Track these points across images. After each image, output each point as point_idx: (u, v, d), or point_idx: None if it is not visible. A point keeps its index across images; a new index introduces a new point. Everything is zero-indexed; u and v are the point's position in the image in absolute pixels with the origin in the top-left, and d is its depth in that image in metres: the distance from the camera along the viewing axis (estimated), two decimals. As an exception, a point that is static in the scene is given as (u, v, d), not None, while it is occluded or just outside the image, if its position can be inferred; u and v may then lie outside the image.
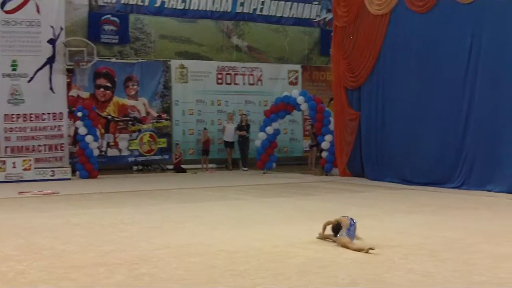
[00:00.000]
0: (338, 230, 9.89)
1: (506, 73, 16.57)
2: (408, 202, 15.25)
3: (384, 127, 19.55)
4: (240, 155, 24.22)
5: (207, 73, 25.12)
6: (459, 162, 17.52)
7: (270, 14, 26.41)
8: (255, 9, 26.09)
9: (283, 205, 14.67)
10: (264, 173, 22.65)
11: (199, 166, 24.16)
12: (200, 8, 25.06)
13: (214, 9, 25.37)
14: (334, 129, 21.10)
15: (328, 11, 26.24)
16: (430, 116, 18.20)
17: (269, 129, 22.84)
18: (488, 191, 16.52)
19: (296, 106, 22.51)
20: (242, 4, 25.81)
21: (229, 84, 25.49)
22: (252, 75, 25.88)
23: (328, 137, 21.44)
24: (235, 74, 25.60)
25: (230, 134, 24.10)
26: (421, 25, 18.47)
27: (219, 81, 25.31)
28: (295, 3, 26.76)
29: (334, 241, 9.91)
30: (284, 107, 22.71)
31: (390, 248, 9.64)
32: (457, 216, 13.09)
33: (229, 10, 25.67)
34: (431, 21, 18.18)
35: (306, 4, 27.00)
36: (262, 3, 26.17)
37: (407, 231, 11.18)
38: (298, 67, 26.87)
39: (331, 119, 21.50)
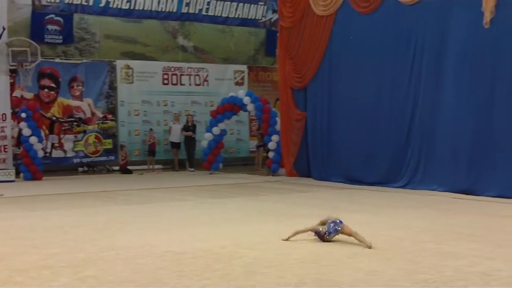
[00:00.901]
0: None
1: (448, 74, 16.78)
2: (354, 201, 15.35)
3: (330, 127, 19.66)
4: (186, 156, 24.13)
5: (153, 73, 24.99)
6: (404, 161, 17.70)
7: (216, 14, 26.38)
8: (200, 10, 26.03)
9: (229, 206, 14.66)
10: (210, 173, 22.60)
11: (145, 167, 24.03)
12: (146, 8, 24.93)
13: (159, 9, 25.25)
14: (281, 130, 21.15)
15: (274, 11, 26.30)
16: (375, 117, 18.36)
17: (216, 130, 22.81)
18: (433, 190, 16.72)
19: (242, 107, 22.51)
20: (187, 5, 25.73)
21: (175, 84, 25.39)
22: (198, 75, 25.82)
23: (275, 138, 21.49)
24: (181, 75, 25.51)
25: (176, 134, 24.01)
26: (365, 25, 18.62)
27: (165, 81, 25.20)
28: (241, 4, 26.77)
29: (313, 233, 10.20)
30: (230, 107, 22.70)
31: (338, 247, 9.68)
32: (403, 215, 13.22)
33: (174, 11, 25.57)
34: (376, 22, 18.35)
35: (252, 5, 27.03)
36: (208, 4, 26.13)
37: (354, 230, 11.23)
38: (244, 67, 26.89)
39: (278, 119, 21.55)
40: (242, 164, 25.44)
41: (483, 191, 15.86)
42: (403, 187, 17.46)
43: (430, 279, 7.85)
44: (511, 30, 15.61)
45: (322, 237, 10.11)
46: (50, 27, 23.57)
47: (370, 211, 13.74)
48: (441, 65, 16.95)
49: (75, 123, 23.63)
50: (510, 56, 15.63)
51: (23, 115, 21.21)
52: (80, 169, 23.84)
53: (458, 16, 16.59)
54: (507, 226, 11.86)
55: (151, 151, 23.94)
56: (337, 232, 10.05)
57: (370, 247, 9.58)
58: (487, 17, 15.90)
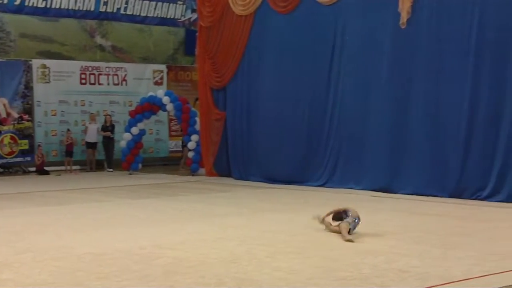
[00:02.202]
0: (341, 218, 10.51)
1: (367, 74, 17.03)
2: (274, 200, 15.43)
3: (249, 126, 19.71)
4: (105, 156, 23.85)
5: (70, 73, 24.60)
6: (323, 160, 17.89)
7: (134, 13, 26.12)
8: (119, 9, 25.74)
9: (149, 206, 14.56)
10: (129, 174, 22.40)
11: (63, 168, 23.65)
12: (62, 7, 24.50)
13: (76, 8, 24.84)
14: (200, 129, 21.10)
15: (193, 11, 26.19)
16: (294, 116, 18.48)
17: (135, 130, 22.60)
18: (351, 188, 16.94)
19: (161, 107, 22.37)
20: (105, 3, 25.40)
21: (93, 84, 25.04)
22: (116, 75, 25.53)
23: (194, 137, 21.42)
24: (99, 74, 25.18)
25: (92, 135, 23.67)
26: (284, 25, 18.73)
27: (83, 81, 24.84)
28: (160, 3, 26.57)
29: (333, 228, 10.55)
30: (149, 107, 22.52)
31: (257, 247, 9.73)
32: (322, 213, 13.31)
33: (92, 9, 25.21)
34: (295, 22, 18.48)
35: (171, 4, 26.86)
36: (126, 3, 25.86)
37: (273, 229, 11.30)
38: (163, 67, 26.71)
39: (197, 119, 21.50)
40: (162, 164, 25.27)
41: (400, 189, 16.16)
42: (322, 185, 17.63)
43: (348, 277, 7.95)
44: (427, 30, 15.95)
45: (340, 218, 10.63)
46: (-37, 25, 23.01)
47: (290, 209, 13.84)
48: (359, 64, 17.19)
49: (-11, 124, 23.14)
50: (425, 55, 15.96)
51: None
52: (-5, 170, 23.37)
53: (375, 16, 16.85)
54: (423, 223, 12.10)
55: (69, 152, 23.57)
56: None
57: (351, 240, 10.05)
58: (404, 17, 16.20)
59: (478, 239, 10.39)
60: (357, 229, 10.54)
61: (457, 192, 15.30)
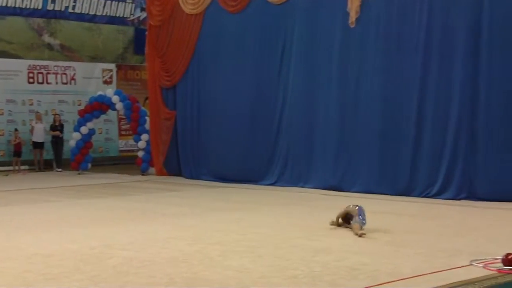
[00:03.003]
0: (350, 219, 10.90)
1: (316, 73, 17.12)
2: (225, 199, 15.42)
3: (200, 125, 19.67)
4: (53, 156, 23.60)
5: (18, 72, 24.27)
6: (274, 159, 17.92)
7: (83, 12, 25.86)
8: (67, 7, 25.46)
9: (99, 206, 14.44)
10: (79, 174, 22.19)
11: (10, 168, 23.33)
12: (9, 5, 24.15)
13: (23, 6, 24.52)
14: (150, 129, 20.99)
15: (142, 9, 26.03)
16: (244, 115, 18.49)
17: (84, 129, 22.40)
18: (302, 187, 17.01)
19: (111, 106, 22.21)
20: (53, 1, 25.11)
21: (41, 83, 24.75)
22: (65, 74, 25.26)
23: (144, 137, 21.31)
24: (48, 73, 24.89)
25: (39, 134, 23.37)
26: (234, 24, 18.73)
27: (31, 80, 24.53)
28: (109, 2, 26.36)
29: (349, 228, 10.85)
30: (98, 106, 22.35)
31: (208, 246, 9.71)
32: (273, 212, 13.38)
33: (39, 7, 24.90)
34: (244, 21, 18.49)
35: (120, 3, 26.66)
36: (74, 1, 25.57)
37: (225, 228, 11.30)
38: (112, 66, 26.51)
39: (147, 118, 21.38)
40: (112, 163, 25.08)
41: (350, 187, 16.27)
42: (273, 184, 17.67)
43: (300, 275, 7.97)
44: (375, 29, 16.12)
45: (349, 219, 11.00)
46: None
47: (241, 208, 13.84)
48: (309, 63, 17.27)
49: None
50: (374, 54, 16.11)
51: None
52: None
53: (324, 15, 16.95)
54: (373, 221, 12.14)
55: (17, 152, 23.25)
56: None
57: (363, 234, 10.45)
58: (352, 16, 16.34)
59: (427, 236, 10.51)
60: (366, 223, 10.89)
61: (407, 190, 15.46)
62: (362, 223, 10.79)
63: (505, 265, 8.16)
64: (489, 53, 14.66)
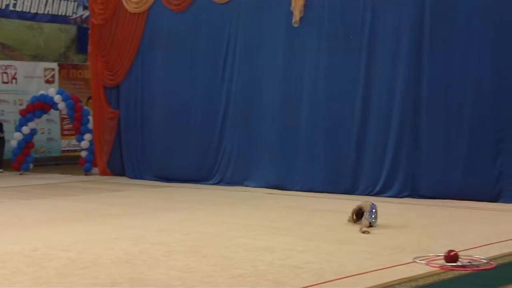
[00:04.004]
0: (362, 215, 11.01)
1: (261, 72, 17.16)
2: (169, 199, 15.36)
3: (144, 125, 19.54)
4: (-6, 156, 23.24)
5: (-43, 71, 23.90)
6: (217, 159, 17.90)
7: (24, 10, 25.52)
8: (7, 5, 25.10)
9: (41, 207, 14.25)
10: (20, 174, 21.87)
11: (-51, 169, 22.93)
12: None
13: (-38, 4, 24.17)
14: (93, 128, 20.78)
15: (85, 8, 25.81)
16: (189, 114, 18.44)
17: (25, 129, 22.09)
18: (246, 186, 17.03)
19: (53, 105, 21.93)
20: (-6, 0, 24.78)
21: (-19, 82, 24.39)
22: (6, 73, 24.88)
23: (88, 136, 21.10)
24: (-13, 72, 24.53)
25: (-24, 134, 23.01)
26: (178, 23, 18.66)
27: (-30, 79, 24.15)
28: (51, 0, 26.08)
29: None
30: (40, 106, 22.05)
31: (152, 246, 9.65)
32: (217, 211, 13.37)
33: (-21, 6, 24.57)
34: (188, 20, 18.43)
35: (62, 1, 26.38)
36: (16, -1, 25.28)
37: (168, 228, 11.25)
38: (54, 65, 26.20)
39: (90, 118, 21.18)
40: (54, 164, 24.78)
41: (294, 186, 16.34)
42: (216, 184, 17.65)
43: (244, 274, 7.97)
44: (319, 28, 16.20)
45: (361, 215, 11.19)
46: None
47: (185, 208, 13.80)
48: (253, 63, 17.30)
49: None
50: (317, 53, 16.21)
51: None
52: None
53: (268, 15, 16.99)
54: (316, 219, 12.25)
55: (-43, 152, 22.86)
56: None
57: (367, 232, 10.63)
58: (296, 16, 16.41)
59: (370, 234, 10.58)
60: (377, 220, 11.08)
61: (351, 188, 15.59)
62: (372, 220, 10.99)
63: (447, 262, 8.27)
64: (431, 52, 14.87)
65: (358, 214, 11.24)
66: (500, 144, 14.24)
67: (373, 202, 11.36)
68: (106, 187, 17.84)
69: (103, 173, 20.50)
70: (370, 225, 10.89)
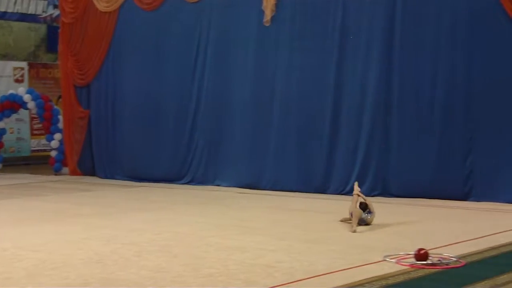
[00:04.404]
0: (365, 207, 11.09)
1: (232, 71, 17.15)
2: (140, 199, 15.31)
3: (114, 125, 19.46)
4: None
5: None
6: (189, 158, 17.87)
7: (-7, 9, 25.34)
8: (-24, 4, 24.92)
9: (11, 207, 14.14)
10: (-11, 174, 21.71)
11: None
12: None
13: None
14: (63, 128, 20.66)
15: (55, 7, 25.64)
16: (160, 114, 18.39)
17: (-6, 129, 21.93)
18: (217, 185, 17.01)
19: (22, 105, 21.76)
20: (-39, -2, 24.54)
21: (-51, 82, 24.14)
22: (-26, 72, 24.70)
23: (58, 136, 20.98)
24: (-44, 71, 24.30)
25: None
26: (150, 23, 18.60)
27: None
28: (20, -2, 25.90)
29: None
30: (10, 105, 21.87)
31: (123, 246, 9.62)
32: (188, 211, 13.35)
33: None
34: (160, 19, 18.38)
35: (32, 0, 26.21)
36: (-16, -2, 25.06)
37: (139, 228, 11.21)
38: (24, 64, 26.00)
39: (60, 117, 21.06)
40: (24, 163, 24.61)
41: (265, 185, 16.37)
42: (188, 183, 17.62)
43: (215, 273, 7.96)
44: (290, 28, 16.24)
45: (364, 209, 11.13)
46: None
47: (156, 208, 13.76)
48: (224, 62, 17.29)
49: None
50: (289, 53, 16.24)
51: None
52: None
53: (240, 14, 17.00)
54: (289, 219, 12.28)
55: None
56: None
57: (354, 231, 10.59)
58: (268, 15, 16.43)
59: (341, 233, 10.63)
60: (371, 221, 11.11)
61: (322, 187, 15.64)
62: (367, 217, 11.12)
63: (417, 260, 8.32)
64: (402, 52, 14.97)
65: (361, 204, 11.18)
66: (470, 143, 14.35)
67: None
68: (76, 187, 17.74)
69: (73, 173, 20.38)
70: (364, 223, 10.96)
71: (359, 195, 11.30)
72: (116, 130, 19.44)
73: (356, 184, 11.90)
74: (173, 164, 18.06)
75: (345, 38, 15.56)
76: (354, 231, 10.60)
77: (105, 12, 19.35)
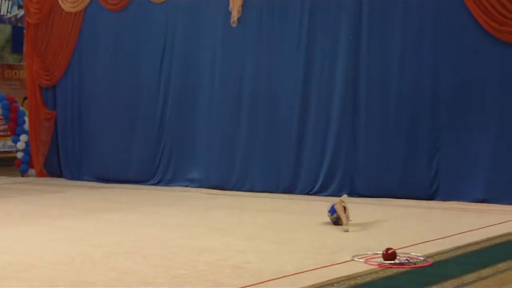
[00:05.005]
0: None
1: (199, 72, 17.12)
2: (108, 200, 15.24)
3: (81, 125, 19.33)
4: None
5: None
6: (156, 159, 17.81)
7: (-43, 9, 25.09)
8: None
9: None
10: (-46, 176, 21.47)
11: None
12: None
13: None
14: (29, 129, 20.49)
15: (20, 7, 25.43)
16: (127, 115, 18.29)
17: (-41, 130, 21.71)
18: (186, 186, 16.98)
19: (-12, 106, 21.58)
20: None
21: None
22: None
23: (24, 137, 20.80)
24: None
25: None
26: (116, 23, 18.52)
27: None
28: (-16, -1, 25.67)
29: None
30: (-26, 107, 21.68)
31: (91, 248, 9.57)
32: (157, 212, 13.31)
33: None
34: (126, 20, 18.30)
35: (-4, 0, 25.99)
36: None
37: (107, 229, 11.16)
38: (-12, 65, 25.81)
39: (26, 118, 20.89)
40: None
41: (233, 185, 16.38)
42: (156, 184, 17.57)
43: (184, 275, 7.95)
44: (257, 29, 16.27)
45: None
46: None
47: (124, 209, 13.70)
48: (191, 63, 17.28)
49: None
50: (256, 54, 16.28)
51: None
52: None
53: (207, 15, 16.99)
54: (257, 219, 12.30)
55: None
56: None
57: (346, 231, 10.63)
58: (234, 16, 16.44)
59: (309, 233, 10.67)
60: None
61: (290, 188, 15.68)
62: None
63: (385, 260, 8.37)
64: (368, 53, 15.08)
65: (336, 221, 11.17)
66: (437, 143, 14.48)
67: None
68: (43, 189, 17.60)
69: (40, 174, 20.22)
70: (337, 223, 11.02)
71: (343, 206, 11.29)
72: (83, 131, 19.32)
73: (345, 196, 11.97)
74: (141, 165, 17.99)
75: (312, 39, 15.64)
76: (347, 230, 10.65)
77: (71, 13, 19.23)
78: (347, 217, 11.07)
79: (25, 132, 20.82)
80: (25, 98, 22.08)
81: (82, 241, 10.13)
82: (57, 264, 8.56)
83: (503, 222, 11.76)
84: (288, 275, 7.87)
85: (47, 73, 19.96)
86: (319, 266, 8.28)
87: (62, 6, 19.31)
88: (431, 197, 14.39)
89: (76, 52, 19.35)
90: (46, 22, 19.78)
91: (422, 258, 8.54)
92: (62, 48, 19.49)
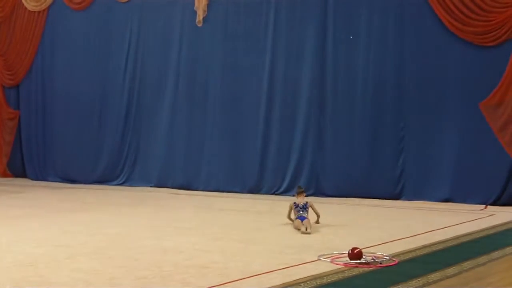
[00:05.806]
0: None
1: (165, 72, 17.14)
2: (73, 200, 15.12)
3: (45, 125, 19.19)
4: None
5: None
6: (122, 159, 17.73)
7: None
8: None
9: None
10: None
11: None
12: None
13: None
14: (-8, 129, 20.31)
15: (-17, 6, 25.16)
16: (91, 115, 18.24)
17: None
18: (151, 186, 16.92)
19: (-50, 105, 21.29)
20: None
21: None
22: None
23: (-14, 137, 20.60)
24: None
25: None
26: (80, 22, 18.43)
27: None
28: None
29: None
30: None
31: (55, 248, 9.46)
32: (122, 212, 13.23)
33: None
34: (90, 19, 18.24)
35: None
36: None
37: (72, 230, 11.06)
38: (-49, 64, 25.45)
39: (-11, 118, 20.68)
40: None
41: (200, 186, 16.36)
42: (121, 184, 17.49)
43: (150, 275, 7.88)
44: (223, 28, 16.29)
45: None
46: None
47: (89, 209, 13.59)
48: (157, 62, 17.26)
49: None
50: (222, 54, 16.29)
51: None
52: None
53: (171, 14, 16.97)
54: (223, 219, 12.27)
55: None
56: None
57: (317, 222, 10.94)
58: (200, 15, 16.44)
59: (275, 233, 10.65)
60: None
61: (256, 188, 15.69)
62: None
63: (351, 259, 8.37)
64: (334, 52, 15.17)
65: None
66: (402, 143, 14.57)
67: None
68: (6, 189, 17.41)
69: (3, 174, 20.03)
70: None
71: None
72: (47, 131, 19.17)
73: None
74: (106, 165, 17.92)
75: (277, 38, 15.68)
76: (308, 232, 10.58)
77: (34, 12, 19.09)
78: (318, 216, 11.13)
79: (-13, 132, 20.60)
80: (-12, 97, 21.82)
81: (46, 241, 10.01)
82: (21, 265, 8.45)
83: (468, 221, 11.87)
84: (255, 275, 7.84)
85: (10, 73, 19.78)
86: (285, 266, 8.26)
87: (26, 4, 19.15)
88: (396, 197, 14.48)
89: (39, 51, 19.21)
90: (9, 21, 19.60)
91: (387, 258, 8.56)
92: (26, 47, 19.33)
